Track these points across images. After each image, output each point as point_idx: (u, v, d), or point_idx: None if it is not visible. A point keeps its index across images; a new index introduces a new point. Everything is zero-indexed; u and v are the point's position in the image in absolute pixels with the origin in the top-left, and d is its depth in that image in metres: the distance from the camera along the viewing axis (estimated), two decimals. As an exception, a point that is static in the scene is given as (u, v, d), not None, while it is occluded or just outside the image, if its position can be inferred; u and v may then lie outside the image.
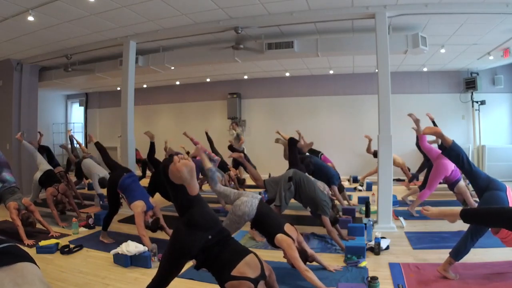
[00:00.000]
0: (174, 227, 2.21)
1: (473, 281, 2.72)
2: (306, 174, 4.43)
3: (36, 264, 1.73)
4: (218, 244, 2.13)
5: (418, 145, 5.70)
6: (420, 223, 4.53)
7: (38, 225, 4.31)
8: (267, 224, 2.88)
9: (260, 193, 4.43)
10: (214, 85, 9.97)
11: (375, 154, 5.92)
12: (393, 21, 4.99)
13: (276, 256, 3.29)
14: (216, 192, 3.05)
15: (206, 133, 6.94)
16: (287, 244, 2.68)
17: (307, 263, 2.89)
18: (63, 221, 4.83)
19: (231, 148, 7.06)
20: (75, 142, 7.22)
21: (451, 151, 2.91)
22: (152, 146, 5.44)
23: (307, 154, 6.12)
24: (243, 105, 9.85)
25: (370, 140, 6.45)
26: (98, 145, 4.40)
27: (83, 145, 8.74)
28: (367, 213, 4.81)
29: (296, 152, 4.65)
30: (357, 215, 5.02)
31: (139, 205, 3.66)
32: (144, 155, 7.36)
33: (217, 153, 6.87)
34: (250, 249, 2.20)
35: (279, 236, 2.72)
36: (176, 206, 2.18)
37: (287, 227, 2.84)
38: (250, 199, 2.98)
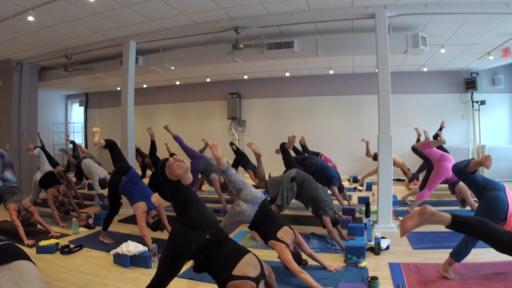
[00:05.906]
0: (172, 227, 2.21)
1: (473, 281, 2.72)
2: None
3: (32, 261, 1.73)
4: (217, 243, 2.13)
5: (413, 148, 5.70)
6: (420, 223, 4.52)
7: (39, 225, 4.31)
8: (263, 228, 2.97)
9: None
10: (214, 85, 9.96)
11: (374, 157, 5.89)
12: (393, 21, 4.99)
13: (275, 256, 3.28)
14: (226, 175, 3.10)
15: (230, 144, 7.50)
16: (279, 248, 2.78)
17: (301, 265, 2.88)
18: (63, 221, 4.83)
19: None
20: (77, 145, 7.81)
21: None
22: (152, 145, 5.44)
23: (307, 155, 6.11)
24: (243, 105, 9.85)
25: (367, 143, 6.34)
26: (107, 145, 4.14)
27: (83, 146, 8.82)
28: (367, 213, 4.81)
29: (289, 155, 4.68)
30: (357, 215, 5.01)
31: (140, 206, 3.70)
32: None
33: (238, 151, 7.29)
34: (250, 249, 2.20)
35: (271, 242, 2.85)
36: (173, 205, 2.18)
37: (283, 231, 2.87)
38: (249, 208, 2.99)
